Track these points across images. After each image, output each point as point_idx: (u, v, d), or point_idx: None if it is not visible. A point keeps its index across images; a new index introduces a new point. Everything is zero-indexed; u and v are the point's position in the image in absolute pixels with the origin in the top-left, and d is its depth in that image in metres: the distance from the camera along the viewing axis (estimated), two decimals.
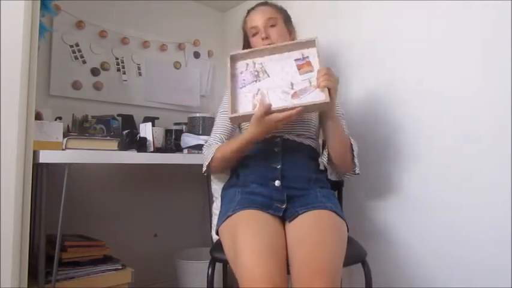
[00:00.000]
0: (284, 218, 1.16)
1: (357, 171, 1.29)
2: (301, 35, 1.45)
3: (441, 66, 1.41)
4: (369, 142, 1.61)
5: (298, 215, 1.12)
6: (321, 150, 1.37)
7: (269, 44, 1.30)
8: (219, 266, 1.25)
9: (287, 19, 1.43)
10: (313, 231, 1.06)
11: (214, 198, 1.43)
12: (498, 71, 1.26)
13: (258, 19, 1.36)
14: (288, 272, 1.00)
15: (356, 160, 1.28)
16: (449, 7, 1.39)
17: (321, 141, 1.42)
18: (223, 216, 1.18)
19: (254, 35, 1.38)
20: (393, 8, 1.56)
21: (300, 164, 1.26)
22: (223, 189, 1.35)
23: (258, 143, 1.22)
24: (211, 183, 1.45)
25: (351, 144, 1.27)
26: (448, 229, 1.37)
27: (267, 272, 0.93)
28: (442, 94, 1.40)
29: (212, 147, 1.31)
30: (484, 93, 1.30)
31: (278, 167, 1.24)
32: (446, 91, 1.39)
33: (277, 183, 1.22)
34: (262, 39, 1.34)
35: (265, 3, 1.43)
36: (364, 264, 1.19)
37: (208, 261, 1.21)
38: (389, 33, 1.57)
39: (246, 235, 1.04)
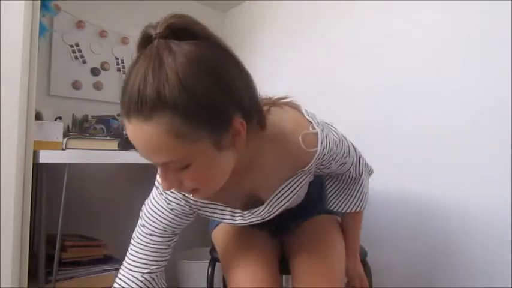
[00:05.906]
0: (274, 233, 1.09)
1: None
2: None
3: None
4: (368, 139, 1.61)
5: (290, 228, 1.08)
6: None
7: None
8: (219, 266, 1.24)
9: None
10: (310, 235, 1.03)
11: None
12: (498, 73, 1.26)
13: None
14: (288, 273, 1.00)
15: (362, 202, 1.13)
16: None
17: None
18: (215, 222, 1.13)
19: None
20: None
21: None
22: None
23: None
24: None
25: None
26: (448, 229, 1.37)
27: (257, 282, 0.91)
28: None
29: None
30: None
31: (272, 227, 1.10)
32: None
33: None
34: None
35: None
36: (364, 264, 1.19)
37: (208, 261, 1.20)
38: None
39: (234, 244, 1.03)
